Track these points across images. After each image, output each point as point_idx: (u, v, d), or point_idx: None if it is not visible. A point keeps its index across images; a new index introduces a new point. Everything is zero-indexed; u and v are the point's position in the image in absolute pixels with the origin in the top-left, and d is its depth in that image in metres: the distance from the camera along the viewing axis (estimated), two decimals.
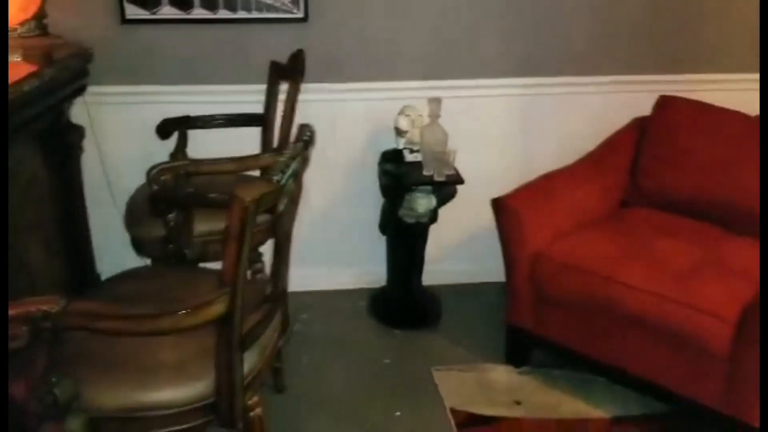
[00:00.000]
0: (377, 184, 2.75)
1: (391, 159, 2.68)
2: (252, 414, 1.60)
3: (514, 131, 2.89)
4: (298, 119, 2.22)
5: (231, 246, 1.33)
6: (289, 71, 2.38)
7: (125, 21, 2.55)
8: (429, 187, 2.55)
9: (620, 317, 2.13)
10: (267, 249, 1.98)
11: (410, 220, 2.61)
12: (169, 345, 1.49)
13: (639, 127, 2.70)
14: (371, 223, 2.84)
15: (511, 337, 2.49)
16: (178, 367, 1.46)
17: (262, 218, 1.58)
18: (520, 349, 2.49)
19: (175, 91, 2.64)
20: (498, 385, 2.41)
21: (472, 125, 2.80)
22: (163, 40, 2.60)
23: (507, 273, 2.39)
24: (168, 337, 1.47)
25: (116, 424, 1.42)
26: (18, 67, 1.97)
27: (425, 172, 2.53)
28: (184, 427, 1.46)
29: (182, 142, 2.49)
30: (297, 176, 1.54)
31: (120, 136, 2.68)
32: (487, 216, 2.46)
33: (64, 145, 2.34)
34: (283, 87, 2.43)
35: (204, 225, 2.08)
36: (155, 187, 1.89)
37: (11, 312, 1.22)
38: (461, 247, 3.02)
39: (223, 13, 2.58)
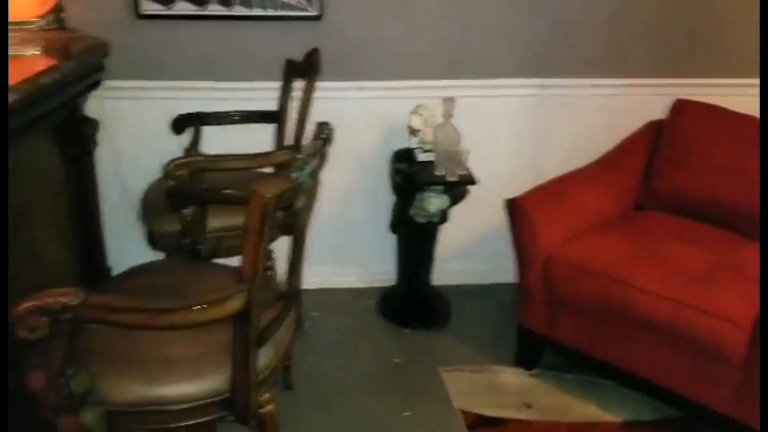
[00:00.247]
0: (388, 182, 2.75)
1: (403, 158, 2.67)
2: (265, 410, 1.60)
3: (526, 132, 2.89)
4: (311, 117, 2.24)
5: (250, 242, 1.32)
6: (305, 69, 2.38)
7: (140, 16, 2.55)
8: (441, 187, 2.54)
9: (633, 321, 2.12)
10: (276, 247, 1.98)
11: (421, 220, 2.60)
12: (184, 339, 1.49)
13: (654, 130, 2.69)
14: (381, 221, 2.84)
15: (522, 338, 2.48)
16: (194, 361, 1.46)
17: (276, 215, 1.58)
18: (530, 351, 2.49)
19: (188, 87, 2.64)
20: (508, 387, 2.41)
21: (483, 125, 2.80)
22: (178, 35, 2.60)
23: (519, 274, 2.39)
24: (184, 332, 1.47)
25: (131, 417, 1.42)
26: (38, 60, 1.98)
27: (437, 172, 2.52)
28: (198, 421, 1.46)
29: (196, 138, 2.50)
30: (315, 174, 1.54)
31: (132, 130, 2.69)
32: (498, 216, 2.45)
33: (79, 138, 2.35)
34: (296, 84, 2.43)
35: (217, 221, 2.08)
36: (171, 182, 1.89)
37: (31, 303, 1.23)
38: (471, 247, 3.02)
39: (238, 10, 2.58)
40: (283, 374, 2.31)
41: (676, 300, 2.03)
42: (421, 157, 2.63)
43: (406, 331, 2.73)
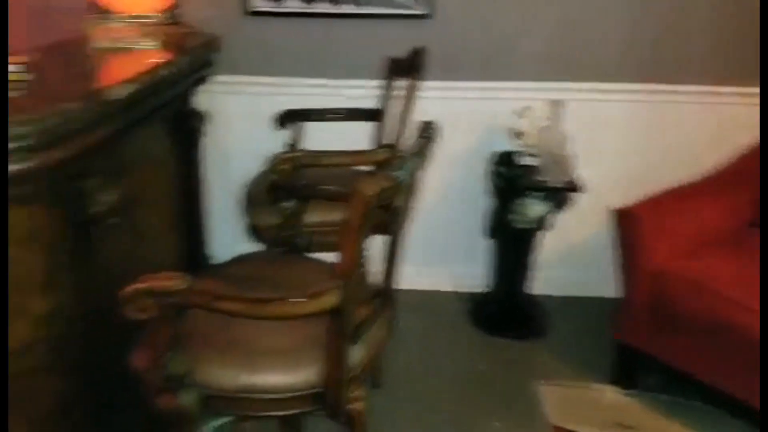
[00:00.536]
0: (483, 185, 2.69)
1: (504, 161, 2.61)
2: (354, 407, 1.59)
3: (632, 139, 2.75)
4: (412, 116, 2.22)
5: (349, 238, 1.32)
6: (409, 68, 2.36)
7: (249, 12, 2.62)
8: (542, 193, 2.46)
9: (744, 344, 1.97)
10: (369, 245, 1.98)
11: (520, 225, 2.53)
12: (280, 331, 1.50)
13: None
14: (474, 225, 2.79)
15: (621, 355, 2.36)
16: (289, 353, 1.47)
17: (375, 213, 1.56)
18: (628, 369, 2.36)
19: (292, 83, 2.69)
20: (604, 406, 2.30)
21: (588, 130, 2.68)
22: (285, 32, 2.66)
23: (624, 287, 2.27)
24: (280, 323, 1.49)
25: (225, 402, 1.45)
26: (156, 54, 2.07)
27: (540, 177, 2.44)
28: (289, 413, 1.48)
29: (298, 134, 2.54)
30: (415, 173, 1.52)
31: (237, 124, 2.77)
32: (599, 225, 2.33)
33: (189, 130, 2.44)
34: (398, 83, 2.42)
35: (314, 216, 2.10)
36: (275, 176, 1.93)
37: (140, 285, 1.28)
38: (569, 256, 2.91)
39: (346, 8, 2.60)
40: (372, 372, 2.30)
41: None
42: (524, 160, 2.55)
43: (498, 339, 2.67)
